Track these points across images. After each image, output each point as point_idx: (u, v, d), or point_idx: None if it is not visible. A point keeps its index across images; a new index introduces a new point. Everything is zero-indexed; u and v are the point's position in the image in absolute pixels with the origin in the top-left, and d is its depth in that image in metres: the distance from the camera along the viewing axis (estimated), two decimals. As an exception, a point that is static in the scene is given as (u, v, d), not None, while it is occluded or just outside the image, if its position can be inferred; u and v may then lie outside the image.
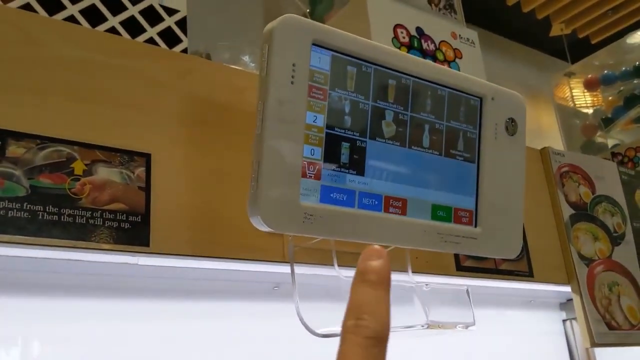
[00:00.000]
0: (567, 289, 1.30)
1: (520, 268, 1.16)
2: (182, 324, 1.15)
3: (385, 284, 0.40)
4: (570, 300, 1.56)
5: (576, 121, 2.35)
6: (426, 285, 0.74)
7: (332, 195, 0.78)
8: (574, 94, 2.39)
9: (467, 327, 0.76)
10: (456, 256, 1.06)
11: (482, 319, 1.61)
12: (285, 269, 1.00)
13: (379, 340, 0.37)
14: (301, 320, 0.82)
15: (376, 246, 0.45)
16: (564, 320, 1.67)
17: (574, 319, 1.59)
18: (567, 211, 1.29)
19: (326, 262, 0.91)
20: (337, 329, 0.85)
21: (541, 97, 2.61)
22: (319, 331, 0.81)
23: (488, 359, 1.53)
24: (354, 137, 0.80)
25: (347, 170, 0.79)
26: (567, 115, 2.36)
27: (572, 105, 2.38)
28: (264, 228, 0.74)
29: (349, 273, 0.92)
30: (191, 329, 1.17)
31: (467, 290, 0.78)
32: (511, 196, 0.96)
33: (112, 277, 1.01)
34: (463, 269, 1.05)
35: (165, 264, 0.97)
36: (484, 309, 1.58)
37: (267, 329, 1.26)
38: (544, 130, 2.56)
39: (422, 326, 0.71)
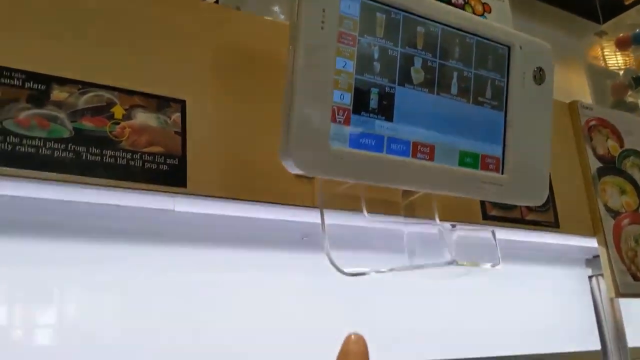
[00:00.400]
0: (594, 243, 1.31)
1: (546, 219, 1.17)
2: (213, 273, 1.20)
3: None
4: (596, 256, 1.57)
5: (607, 81, 2.31)
6: (452, 227, 0.77)
7: (361, 140, 0.80)
8: (605, 53, 2.35)
9: (493, 265, 0.78)
10: (482, 205, 1.08)
11: (508, 276, 1.64)
12: (314, 218, 1.03)
13: None
14: (330, 260, 0.86)
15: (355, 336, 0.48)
16: (590, 277, 1.67)
17: (600, 275, 1.60)
18: (594, 164, 1.29)
19: (354, 208, 0.94)
20: (364, 269, 0.88)
21: (571, 59, 2.57)
22: (346, 270, 0.84)
23: (514, 316, 1.56)
24: (382, 83, 0.82)
25: (376, 116, 0.81)
26: (598, 75, 2.33)
27: (603, 65, 2.34)
28: (295, 171, 0.76)
29: (377, 219, 0.95)
30: (221, 279, 1.22)
31: (493, 231, 0.80)
32: (538, 144, 0.97)
33: (149, 224, 1.05)
34: (489, 217, 1.07)
35: (200, 210, 1.01)
36: (510, 265, 1.60)
37: (295, 279, 1.30)
38: (574, 92, 2.53)
39: (448, 263, 0.74)
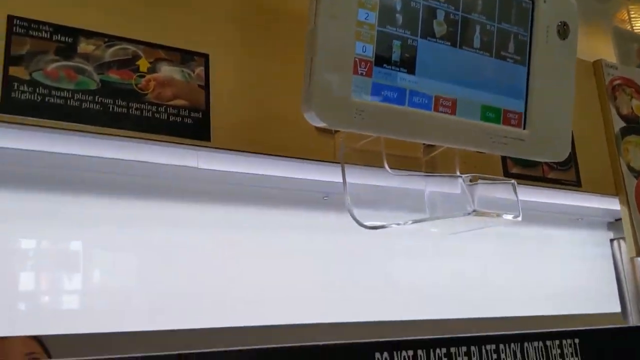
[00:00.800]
0: (615, 206, 1.30)
1: (568, 177, 1.17)
2: (236, 231, 1.22)
3: None
4: (618, 220, 1.56)
5: (633, 45, 2.27)
6: (473, 178, 0.77)
7: (382, 92, 0.81)
8: (632, 17, 2.30)
9: (513, 217, 0.78)
10: (503, 163, 1.08)
11: (529, 239, 1.64)
12: (335, 177, 1.04)
13: None
14: (351, 213, 0.87)
15: None
16: (611, 240, 1.67)
17: (622, 238, 1.59)
18: (618, 124, 1.28)
19: (375, 163, 0.94)
20: (383, 222, 0.89)
21: (596, 22, 2.52)
22: (366, 223, 0.85)
23: (536, 279, 1.56)
24: (405, 35, 0.81)
25: (398, 69, 0.81)
26: (624, 38, 2.28)
27: (629, 28, 2.29)
28: (317, 123, 0.77)
29: (398, 173, 0.95)
30: (244, 237, 1.23)
31: (514, 184, 0.81)
32: (561, 100, 0.97)
33: (173, 181, 1.07)
34: (510, 175, 1.07)
35: (223, 168, 1.02)
36: (532, 228, 1.60)
37: (316, 239, 1.32)
38: (599, 55, 2.49)
39: (469, 213, 0.75)
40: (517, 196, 0.79)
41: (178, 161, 0.96)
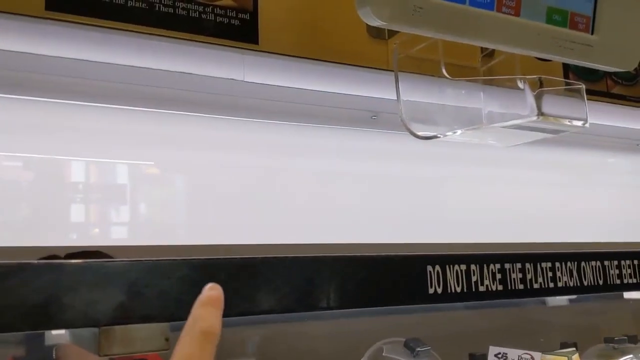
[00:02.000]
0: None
1: (634, 94, 1.10)
2: (284, 153, 1.20)
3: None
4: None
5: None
6: (538, 78, 0.72)
7: (442, -11, 0.75)
8: None
9: (580, 122, 0.73)
10: (565, 75, 1.01)
11: (586, 166, 1.58)
12: (385, 93, 1.00)
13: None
14: (404, 122, 0.83)
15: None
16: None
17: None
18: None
19: (430, 72, 0.90)
20: (436, 132, 0.85)
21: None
22: (419, 133, 0.81)
23: (591, 208, 1.50)
24: None
25: (458, -36, 0.76)
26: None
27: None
28: (373, 21, 0.72)
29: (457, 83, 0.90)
30: (293, 159, 1.21)
31: (582, 87, 0.75)
32: (632, 5, 0.89)
33: (219, 95, 1.04)
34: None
35: (270, 80, 0.99)
36: (589, 155, 1.53)
37: (362, 161, 1.29)
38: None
39: (533, 118, 0.70)
40: (585, 102, 0.74)
41: (223, 71, 0.93)
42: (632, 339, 1.20)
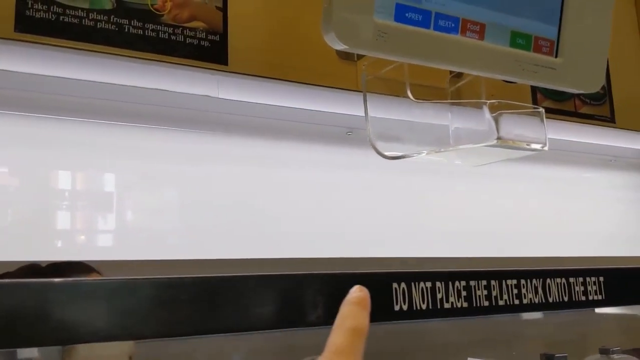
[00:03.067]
0: (652, 145, 1.26)
1: (601, 113, 1.12)
2: (255, 165, 1.21)
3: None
4: (654, 162, 1.51)
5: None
6: (498, 102, 0.74)
7: (407, 14, 0.77)
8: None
9: (539, 145, 0.75)
10: (534, 96, 1.03)
11: (564, 181, 1.60)
12: (358, 110, 1.02)
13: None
14: (372, 143, 0.85)
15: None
16: (645, 183, 1.62)
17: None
18: (658, 57, 1.22)
19: (399, 93, 0.91)
20: (404, 152, 0.87)
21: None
22: (386, 153, 0.83)
23: (567, 221, 1.53)
24: (431, -47, 0.77)
25: (423, -10, 0.77)
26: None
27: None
28: (338, 45, 0.74)
29: (423, 104, 0.92)
30: (262, 172, 1.23)
31: (542, 111, 0.77)
32: (596, 28, 0.92)
33: (192, 111, 1.06)
34: (540, 109, 1.03)
35: (243, 97, 1.00)
36: (563, 169, 1.56)
37: (339, 175, 1.31)
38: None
39: (492, 142, 0.72)
40: (544, 125, 0.76)
41: (199, 91, 0.95)
42: (605, 351, 1.22)
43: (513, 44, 0.85)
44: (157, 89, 0.93)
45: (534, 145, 0.74)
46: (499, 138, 0.71)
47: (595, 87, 0.93)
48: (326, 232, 1.18)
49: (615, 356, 1.19)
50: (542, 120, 0.76)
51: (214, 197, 1.16)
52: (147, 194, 1.12)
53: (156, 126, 1.09)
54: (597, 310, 1.31)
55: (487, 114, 0.74)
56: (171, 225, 1.09)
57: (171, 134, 1.11)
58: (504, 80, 0.95)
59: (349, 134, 1.23)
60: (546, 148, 0.75)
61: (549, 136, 1.23)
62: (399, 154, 0.84)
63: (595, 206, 1.60)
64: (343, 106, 1.04)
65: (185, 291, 0.68)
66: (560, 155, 1.47)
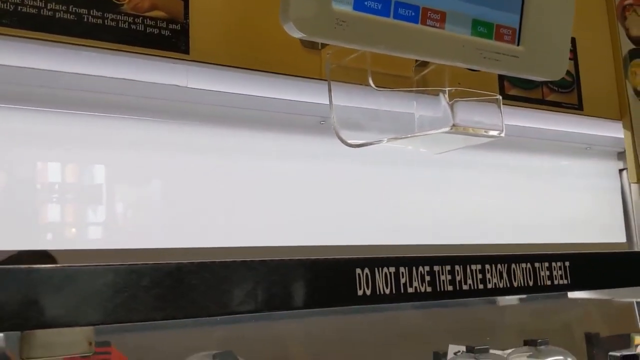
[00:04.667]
0: (621, 133, 1.27)
1: (569, 100, 1.13)
2: (226, 157, 1.21)
3: None
4: (629, 149, 1.52)
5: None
6: (456, 89, 0.75)
7: (366, 2, 0.78)
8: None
9: (496, 132, 0.76)
10: (501, 84, 1.04)
11: (536, 169, 1.62)
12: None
13: None
14: (336, 131, 0.86)
15: None
16: (620, 170, 1.64)
17: (631, 167, 1.56)
18: (626, 46, 1.23)
19: (362, 81, 0.92)
20: (367, 140, 0.88)
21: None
22: (350, 141, 0.84)
23: (543, 210, 1.54)
24: (390, -58, 0.78)
25: (382, -22, 0.78)
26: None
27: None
28: (296, 34, 0.75)
29: (387, 92, 0.93)
30: (235, 162, 1.23)
31: (498, 98, 0.78)
32: (559, 15, 0.93)
33: (163, 101, 1.06)
34: (508, 97, 1.04)
35: (214, 87, 1.01)
36: (538, 157, 1.57)
37: (313, 164, 1.31)
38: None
39: (447, 128, 0.73)
40: (501, 112, 0.77)
41: (168, 80, 0.95)
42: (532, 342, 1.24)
43: (474, 32, 0.86)
44: (125, 79, 0.93)
45: (491, 132, 0.75)
46: (453, 125, 0.72)
47: (558, 74, 0.94)
48: (296, 220, 1.19)
49: (542, 347, 1.23)
50: (499, 107, 0.77)
51: (185, 187, 1.16)
52: (117, 184, 1.12)
53: (127, 116, 1.09)
54: (571, 295, 1.32)
55: (443, 101, 0.75)
56: (142, 214, 1.10)
57: (142, 124, 1.11)
58: (468, 69, 0.96)
59: (322, 123, 1.24)
60: (503, 134, 0.76)
61: (520, 124, 1.25)
62: (362, 141, 0.85)
63: (569, 195, 1.61)
64: (312, 95, 1.05)
65: (144, 278, 0.69)
66: (534, 144, 1.48)
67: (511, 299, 1.53)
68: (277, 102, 1.11)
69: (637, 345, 1.45)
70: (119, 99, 1.04)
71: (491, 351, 1.18)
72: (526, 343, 1.22)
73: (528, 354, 1.13)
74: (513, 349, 1.23)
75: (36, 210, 1.01)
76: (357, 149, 0.87)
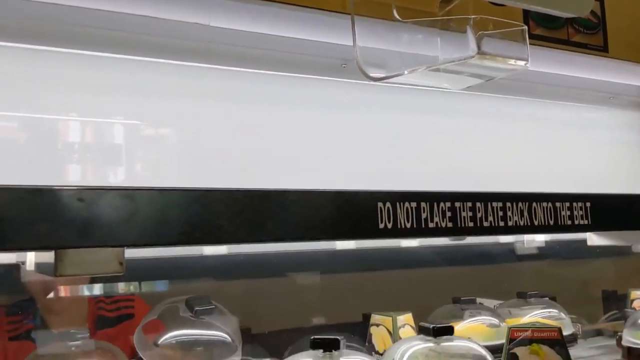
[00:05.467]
0: (648, 78, 1.25)
1: (594, 42, 1.11)
2: (252, 103, 1.21)
3: None
4: (654, 99, 1.50)
5: None
6: (481, 18, 0.74)
7: None
8: None
9: (522, 62, 0.76)
10: (526, 22, 1.03)
11: (560, 120, 1.60)
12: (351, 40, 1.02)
13: None
14: (359, 64, 0.85)
15: None
16: (644, 121, 1.62)
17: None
18: (656, -14, 1.20)
19: (385, 16, 0.91)
20: (389, 73, 0.88)
21: None
22: (372, 74, 0.84)
23: (564, 162, 1.52)
24: None
25: None
26: None
27: None
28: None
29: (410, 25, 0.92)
30: (257, 110, 1.23)
31: (524, 29, 0.77)
32: (588, -51, 0.91)
33: (185, 41, 1.06)
34: (533, 37, 1.03)
35: (235, 26, 1.00)
36: (562, 107, 1.55)
37: (333, 112, 1.31)
38: None
39: (472, 56, 0.73)
40: (527, 43, 0.76)
41: (190, 19, 0.95)
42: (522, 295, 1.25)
43: (501, -36, 0.85)
44: (147, 17, 0.94)
45: (517, 62, 0.75)
46: (480, 53, 0.71)
47: (584, 10, 0.92)
48: (319, 165, 1.19)
49: (532, 300, 1.24)
50: (524, 38, 0.76)
51: (206, 129, 1.17)
52: (138, 126, 1.13)
53: (149, 58, 1.10)
54: (590, 242, 1.32)
55: (470, 32, 0.74)
56: (162, 156, 1.11)
57: (165, 67, 1.11)
58: (493, 4, 0.95)
59: (344, 66, 1.23)
60: (528, 65, 0.76)
61: (544, 69, 1.23)
62: (383, 74, 0.85)
63: (591, 146, 1.60)
64: (334, 34, 1.04)
65: (175, 202, 0.71)
66: (559, 92, 1.46)
67: (535, 259, 1.52)
68: (296, 43, 1.10)
69: (633, 300, 1.45)
70: (139, 38, 1.04)
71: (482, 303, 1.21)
72: (518, 295, 1.25)
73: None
74: (503, 301, 1.25)
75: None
76: (379, 82, 0.87)
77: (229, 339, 0.96)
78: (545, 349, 0.90)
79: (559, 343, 0.91)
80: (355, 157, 1.27)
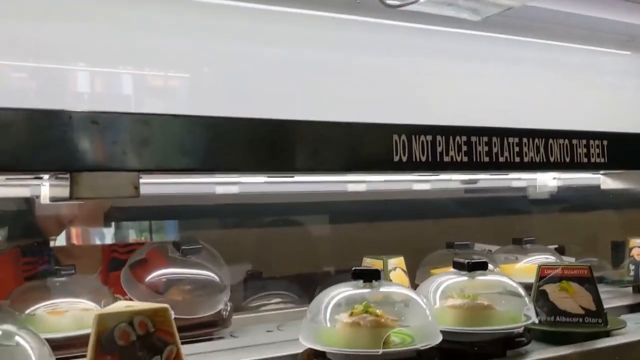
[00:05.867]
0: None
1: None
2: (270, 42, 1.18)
3: None
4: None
5: None
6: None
7: None
8: None
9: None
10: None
11: (576, 63, 1.55)
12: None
13: None
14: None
15: None
16: (662, 66, 1.58)
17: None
18: None
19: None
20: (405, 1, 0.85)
21: None
22: (388, 2, 0.82)
23: (580, 106, 1.49)
24: None
25: None
26: None
27: None
28: None
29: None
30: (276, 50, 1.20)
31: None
32: None
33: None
34: (552, -30, 0.99)
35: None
36: (578, 51, 1.51)
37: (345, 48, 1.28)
38: None
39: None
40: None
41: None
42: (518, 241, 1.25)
43: None
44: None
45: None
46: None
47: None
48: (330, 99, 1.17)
49: (528, 246, 1.24)
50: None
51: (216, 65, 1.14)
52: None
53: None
54: (604, 186, 1.30)
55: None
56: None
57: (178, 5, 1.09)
58: None
59: (358, 2, 1.20)
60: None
61: (563, 9, 1.20)
62: (399, 2, 0.82)
63: (607, 91, 1.56)
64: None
65: (189, 129, 0.70)
66: (576, 33, 1.42)
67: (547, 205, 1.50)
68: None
69: (632, 248, 1.45)
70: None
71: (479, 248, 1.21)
72: (514, 242, 1.24)
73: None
74: (499, 247, 1.25)
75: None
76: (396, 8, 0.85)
77: (216, 278, 0.97)
78: (574, 286, 0.90)
79: (589, 280, 0.92)
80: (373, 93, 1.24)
